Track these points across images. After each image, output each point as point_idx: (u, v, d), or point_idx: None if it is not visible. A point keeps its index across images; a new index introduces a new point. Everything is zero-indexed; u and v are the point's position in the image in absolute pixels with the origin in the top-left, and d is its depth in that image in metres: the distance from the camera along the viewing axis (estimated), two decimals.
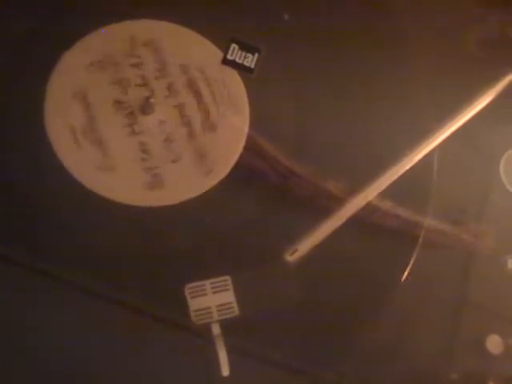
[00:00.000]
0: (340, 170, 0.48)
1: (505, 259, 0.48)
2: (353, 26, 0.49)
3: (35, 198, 0.46)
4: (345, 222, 0.47)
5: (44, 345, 0.44)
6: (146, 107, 0.47)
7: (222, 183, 0.47)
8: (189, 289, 0.45)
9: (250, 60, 0.47)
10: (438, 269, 0.48)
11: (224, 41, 0.48)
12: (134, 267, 0.45)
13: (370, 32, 0.49)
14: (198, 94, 0.48)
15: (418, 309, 0.48)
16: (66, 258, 0.45)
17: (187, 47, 0.48)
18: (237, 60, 0.47)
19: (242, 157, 0.47)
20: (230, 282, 0.45)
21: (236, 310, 0.45)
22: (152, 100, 0.47)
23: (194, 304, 0.45)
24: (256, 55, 0.47)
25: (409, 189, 0.48)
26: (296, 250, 0.46)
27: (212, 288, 0.45)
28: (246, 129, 0.48)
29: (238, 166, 0.47)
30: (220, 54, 0.48)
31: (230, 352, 0.44)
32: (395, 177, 0.48)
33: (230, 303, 0.45)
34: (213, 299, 0.45)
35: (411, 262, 0.47)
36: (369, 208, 0.47)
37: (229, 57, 0.47)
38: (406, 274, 0.47)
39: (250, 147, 0.47)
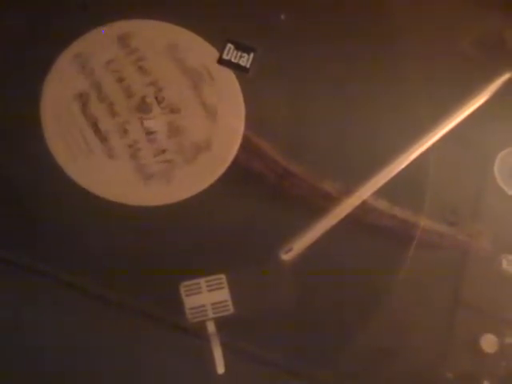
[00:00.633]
0: (335, 170, 0.48)
1: (499, 259, 0.48)
2: (349, 26, 0.50)
3: (33, 200, 0.46)
4: (340, 222, 0.47)
5: (43, 345, 0.44)
6: (142, 107, 0.47)
7: (217, 182, 0.47)
8: (184, 287, 0.45)
9: (245, 60, 0.47)
10: (432, 268, 0.48)
11: (220, 40, 0.48)
12: (129, 266, 0.45)
13: (366, 32, 0.50)
14: (194, 93, 0.48)
15: (413, 308, 0.48)
16: (63, 258, 0.45)
17: (184, 47, 0.48)
18: (232, 60, 0.48)
19: (237, 156, 0.48)
20: (224, 280, 0.45)
21: (231, 308, 0.45)
22: (148, 99, 0.47)
23: (189, 302, 0.45)
24: (252, 55, 0.47)
25: (404, 188, 0.48)
26: (291, 249, 0.46)
27: (207, 286, 0.45)
28: (241, 128, 0.48)
29: (233, 166, 0.47)
30: (216, 54, 0.48)
31: (224, 350, 0.44)
32: (390, 176, 0.48)
33: (225, 301, 0.45)
34: (208, 297, 0.45)
35: (406, 262, 0.47)
36: (364, 207, 0.47)
37: (224, 56, 0.48)
38: (400, 273, 0.47)
39: (246, 147, 0.48)
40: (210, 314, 0.45)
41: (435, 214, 0.48)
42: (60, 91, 0.47)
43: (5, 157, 0.46)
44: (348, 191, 0.48)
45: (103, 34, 0.48)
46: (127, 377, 0.44)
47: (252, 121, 0.48)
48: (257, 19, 0.49)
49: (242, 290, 0.45)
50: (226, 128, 0.48)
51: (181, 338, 0.45)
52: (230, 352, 0.44)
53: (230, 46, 0.47)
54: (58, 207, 0.46)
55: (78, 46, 0.48)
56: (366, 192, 0.48)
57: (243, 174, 0.48)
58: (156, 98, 0.48)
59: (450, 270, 0.49)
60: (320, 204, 0.47)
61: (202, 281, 0.45)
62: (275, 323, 0.45)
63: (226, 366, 0.44)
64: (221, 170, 0.47)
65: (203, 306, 0.45)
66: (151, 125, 0.47)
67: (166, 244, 0.46)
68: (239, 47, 0.47)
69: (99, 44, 0.48)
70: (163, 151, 0.47)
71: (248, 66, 0.47)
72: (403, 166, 0.48)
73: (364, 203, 0.48)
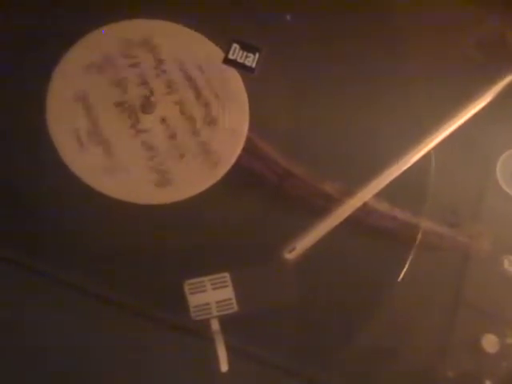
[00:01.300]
0: (337, 171, 0.48)
1: (501, 260, 0.49)
2: (353, 27, 0.50)
3: (40, 200, 0.46)
4: (342, 223, 0.47)
5: (43, 344, 0.44)
6: (147, 106, 0.48)
7: (221, 182, 0.47)
8: (188, 285, 0.45)
9: (251, 60, 0.48)
10: (434, 269, 0.48)
11: (225, 40, 0.48)
12: (134, 264, 0.45)
13: (370, 33, 0.50)
14: (198, 93, 0.48)
15: (414, 309, 0.48)
16: (65, 257, 0.45)
17: (189, 47, 0.48)
18: (238, 60, 0.48)
19: (240, 157, 0.48)
20: (228, 278, 0.45)
21: (235, 306, 0.45)
22: (153, 99, 0.47)
23: (194, 300, 0.45)
24: (257, 55, 0.48)
25: (406, 190, 0.49)
26: (294, 248, 0.46)
27: (211, 284, 0.45)
28: (245, 129, 0.48)
29: (237, 166, 0.48)
30: (221, 54, 0.48)
31: (228, 348, 0.44)
32: (392, 178, 0.48)
33: (229, 299, 0.45)
34: (212, 295, 0.45)
35: (408, 263, 0.47)
36: (366, 209, 0.48)
37: (230, 56, 0.48)
38: (402, 274, 0.47)
39: (249, 148, 0.48)
40: (214, 312, 0.45)
41: (436, 215, 0.49)
42: (64, 91, 0.47)
43: (11, 160, 0.46)
44: (350, 192, 0.48)
45: (106, 34, 0.48)
46: (131, 375, 0.44)
47: (255, 121, 0.48)
48: (262, 19, 0.49)
49: (246, 288, 0.45)
50: (229, 128, 0.48)
51: (185, 336, 0.45)
52: (233, 350, 0.44)
53: (235, 46, 0.48)
54: (63, 208, 0.46)
55: (79, 48, 0.48)
56: (367, 193, 0.48)
57: (246, 175, 0.48)
58: (160, 96, 0.48)
59: (451, 270, 0.49)
60: (321, 205, 0.47)
61: (207, 279, 0.45)
62: (278, 321, 0.45)
63: (230, 363, 0.44)
64: (224, 169, 0.47)
65: (207, 304, 0.45)
66: (157, 123, 0.48)
67: (170, 242, 0.46)
68: (245, 47, 0.48)
69: (100, 45, 0.48)
70: (171, 148, 0.47)
71: (253, 66, 0.48)
72: (405, 167, 0.48)
73: (365, 204, 0.48)
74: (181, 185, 0.47)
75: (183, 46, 0.49)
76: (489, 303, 0.48)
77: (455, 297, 0.48)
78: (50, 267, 0.44)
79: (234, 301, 0.45)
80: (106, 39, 0.48)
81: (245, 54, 0.48)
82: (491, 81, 0.50)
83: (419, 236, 0.48)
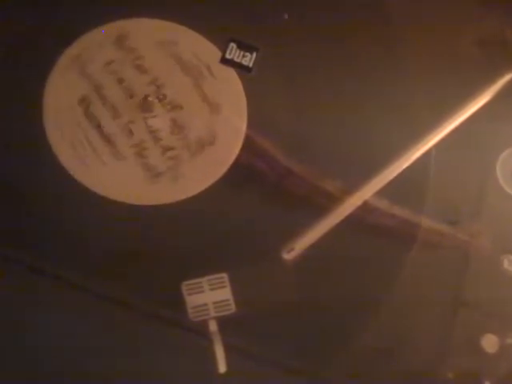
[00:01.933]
0: (337, 169, 0.48)
1: (501, 259, 0.48)
2: (351, 26, 0.49)
3: (37, 201, 0.46)
4: (342, 221, 0.47)
5: (43, 344, 0.44)
6: (144, 106, 0.47)
7: (219, 182, 0.47)
8: (186, 286, 0.45)
9: (248, 59, 0.47)
10: (433, 268, 0.48)
11: (222, 40, 0.48)
12: (131, 264, 0.45)
13: (368, 31, 0.49)
14: (196, 93, 0.48)
15: (413, 308, 0.48)
16: (63, 256, 0.45)
17: (185, 46, 0.48)
18: (235, 59, 0.48)
19: (239, 156, 0.48)
20: (226, 279, 0.45)
21: (233, 307, 0.45)
22: (150, 98, 0.47)
23: (191, 301, 0.45)
24: (254, 54, 0.47)
25: (405, 188, 0.48)
26: (293, 248, 0.46)
27: (209, 285, 0.45)
28: (243, 128, 0.48)
29: (235, 165, 0.47)
30: (218, 53, 0.48)
31: (226, 349, 0.44)
32: (392, 176, 0.48)
33: (227, 300, 0.45)
34: (210, 296, 0.45)
35: (407, 261, 0.47)
36: (365, 207, 0.48)
37: (227, 56, 0.48)
38: (401, 272, 0.47)
39: (248, 146, 0.48)
40: (212, 313, 0.45)
41: (436, 213, 0.48)
42: (61, 96, 0.47)
43: (8, 161, 0.46)
44: (349, 191, 0.48)
45: (103, 33, 0.48)
46: (128, 376, 0.44)
47: (254, 120, 0.48)
48: (260, 18, 0.49)
49: (244, 289, 0.45)
50: (228, 127, 0.48)
51: (182, 337, 0.45)
52: (231, 351, 0.44)
53: (232, 45, 0.47)
54: (63, 208, 0.46)
55: (76, 49, 0.48)
56: (367, 191, 0.48)
57: (245, 174, 0.48)
58: (158, 96, 0.48)
59: (450, 270, 0.49)
60: (321, 203, 0.47)
61: (204, 280, 0.45)
62: (277, 322, 0.45)
63: (228, 365, 0.44)
64: (223, 169, 0.47)
65: (205, 304, 0.45)
66: (155, 123, 0.47)
67: (167, 243, 0.46)
68: (242, 46, 0.47)
69: (98, 45, 0.48)
70: (170, 149, 0.47)
71: (251, 65, 0.47)
72: (405, 165, 0.48)
73: (365, 203, 0.48)
74: (179, 186, 0.47)
75: (179, 44, 0.48)
76: (489, 303, 0.48)
77: (455, 296, 0.48)
78: (49, 266, 0.44)
79: (231, 301, 0.45)
80: (103, 39, 0.48)
81: (242, 53, 0.47)
82: (491, 79, 0.50)
83: (419, 234, 0.48)
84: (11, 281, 0.45)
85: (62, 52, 0.47)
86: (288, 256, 0.46)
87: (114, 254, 0.45)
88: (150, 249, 0.45)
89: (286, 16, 0.49)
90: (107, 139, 0.47)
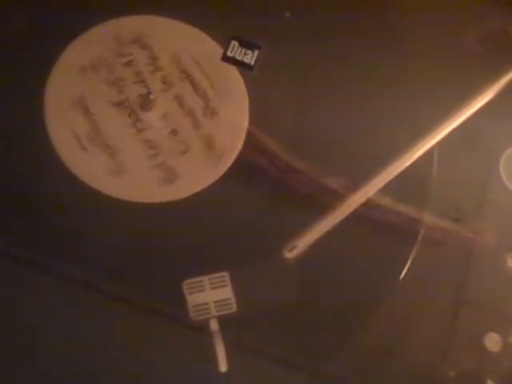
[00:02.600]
0: (340, 166, 0.48)
1: (504, 257, 0.48)
2: (353, 23, 0.49)
3: (43, 202, 0.46)
4: (344, 219, 0.47)
5: (43, 341, 0.44)
6: (146, 104, 0.47)
7: (221, 179, 0.47)
8: (187, 284, 0.45)
9: (249, 57, 0.47)
10: (437, 266, 0.48)
11: (224, 37, 0.48)
12: (133, 263, 0.45)
13: (370, 28, 0.49)
14: (197, 90, 0.48)
15: (416, 306, 0.47)
16: (64, 254, 0.45)
17: (187, 43, 0.48)
18: (237, 57, 0.47)
19: (241, 153, 0.48)
20: (227, 277, 0.45)
21: (234, 306, 0.45)
22: (152, 96, 0.47)
23: (192, 300, 0.45)
24: (256, 52, 0.47)
25: (409, 185, 0.48)
26: (295, 247, 0.46)
27: (210, 284, 0.45)
28: (245, 125, 0.48)
29: (237, 162, 0.47)
30: (220, 51, 0.48)
31: (227, 348, 0.44)
32: (395, 173, 0.48)
33: (228, 299, 0.45)
34: (211, 295, 0.45)
35: (410, 259, 0.47)
36: (368, 204, 0.47)
37: (229, 53, 0.47)
38: (404, 270, 0.47)
39: (250, 143, 0.48)
40: (213, 312, 0.45)
41: (439, 210, 0.48)
42: (62, 95, 0.47)
43: (12, 166, 0.46)
44: (353, 188, 0.47)
45: (103, 32, 0.48)
46: (128, 374, 0.44)
47: (256, 117, 0.48)
48: (261, 16, 0.49)
49: (246, 287, 0.45)
50: (229, 124, 0.48)
51: (184, 336, 0.45)
52: (232, 350, 0.44)
53: (234, 43, 0.47)
54: (63, 206, 0.46)
55: (76, 46, 0.48)
56: (370, 189, 0.47)
57: (247, 171, 0.48)
58: (159, 93, 0.48)
59: (453, 268, 0.48)
60: (324, 200, 0.47)
61: (205, 278, 0.45)
62: (278, 321, 0.45)
63: (229, 363, 0.44)
64: (225, 166, 0.47)
65: (206, 303, 0.45)
66: (157, 120, 0.47)
67: (169, 241, 0.46)
68: (243, 44, 0.47)
69: (97, 43, 0.48)
70: (174, 144, 0.47)
71: (252, 63, 0.47)
72: (408, 163, 0.48)
73: (368, 200, 0.47)
74: (181, 183, 0.47)
75: (182, 42, 0.48)
76: (491, 301, 0.48)
77: (457, 295, 0.48)
78: (50, 264, 0.44)
79: (233, 300, 0.45)
80: (104, 37, 0.48)
81: (244, 51, 0.47)
82: (495, 76, 0.49)
83: (422, 231, 0.48)
84: (12, 278, 0.45)
85: (61, 51, 0.47)
86: (290, 254, 0.46)
87: (115, 252, 0.45)
88: (151, 247, 0.45)
89: (288, 14, 0.49)
90: (110, 139, 0.47)
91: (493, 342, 0.47)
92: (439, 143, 0.49)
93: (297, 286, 0.46)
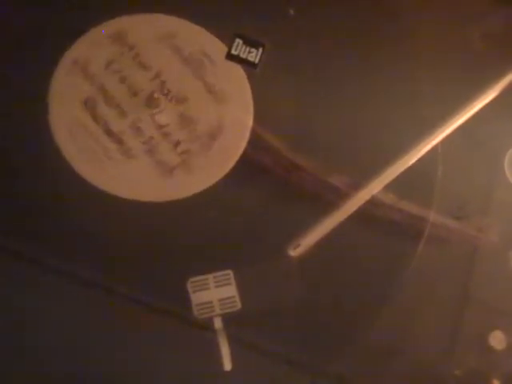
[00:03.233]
0: (344, 164, 0.48)
1: (509, 255, 0.48)
2: (356, 21, 0.49)
3: (49, 201, 0.46)
4: (349, 217, 0.47)
5: (44, 339, 0.44)
6: (151, 102, 0.47)
7: (225, 178, 0.47)
8: (191, 283, 0.45)
9: (254, 55, 0.47)
10: (441, 263, 0.48)
11: (228, 35, 0.47)
12: (137, 261, 0.45)
13: (374, 27, 0.49)
14: (202, 88, 0.48)
15: (421, 304, 0.47)
16: (69, 252, 0.45)
17: (192, 41, 0.48)
18: (241, 55, 0.47)
19: (246, 151, 0.47)
20: (232, 276, 0.45)
21: (238, 304, 0.45)
22: (156, 95, 0.47)
23: (197, 298, 0.45)
24: (260, 50, 0.47)
25: (413, 183, 0.48)
26: (299, 245, 0.46)
27: (214, 282, 0.45)
28: (250, 123, 0.48)
29: (241, 161, 0.47)
30: (224, 49, 0.48)
31: (232, 346, 0.44)
32: (400, 171, 0.48)
33: (233, 297, 0.45)
34: (215, 293, 0.45)
35: (415, 257, 0.47)
36: (373, 202, 0.47)
37: (233, 52, 0.47)
38: (409, 268, 0.47)
39: (255, 142, 0.48)
40: (218, 310, 0.45)
41: (444, 208, 0.48)
42: (66, 99, 0.47)
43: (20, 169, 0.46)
44: (357, 186, 0.47)
45: (103, 34, 0.48)
46: (132, 372, 0.44)
47: (260, 116, 0.48)
48: (266, 14, 0.48)
49: (250, 286, 0.45)
50: (234, 123, 0.48)
51: (188, 334, 0.45)
52: (237, 348, 0.44)
53: (238, 41, 0.47)
54: (70, 206, 0.46)
55: (76, 50, 0.48)
56: (375, 187, 0.47)
57: (251, 169, 0.48)
58: (163, 92, 0.48)
59: (458, 265, 0.48)
60: (328, 199, 0.47)
61: (210, 277, 0.45)
62: (282, 319, 0.45)
63: (233, 362, 0.44)
64: (229, 165, 0.47)
65: (210, 302, 0.45)
66: (163, 118, 0.47)
67: (173, 240, 0.46)
68: (248, 42, 0.47)
69: (98, 45, 0.48)
70: (181, 143, 0.47)
71: (256, 61, 0.47)
72: (413, 160, 0.48)
73: (373, 198, 0.47)
74: (185, 182, 0.47)
75: (186, 40, 0.48)
76: (496, 299, 0.48)
77: (462, 293, 0.48)
78: (53, 261, 0.45)
79: (237, 299, 0.45)
80: (104, 38, 0.48)
81: (248, 49, 0.47)
82: (499, 74, 0.49)
83: (427, 229, 0.48)
84: (14, 276, 0.45)
85: (62, 55, 0.47)
86: (294, 253, 0.46)
87: (119, 250, 0.45)
88: (155, 246, 0.46)
89: (292, 12, 0.49)
90: (118, 139, 0.47)
91: (498, 340, 0.47)
92: (444, 141, 0.49)
93: (301, 284, 0.46)
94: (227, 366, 0.44)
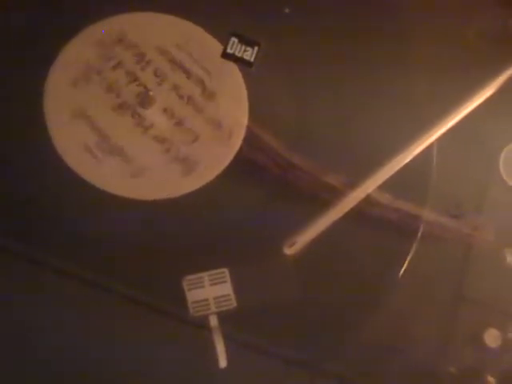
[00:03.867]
0: (340, 163, 0.48)
1: (503, 253, 0.48)
2: (353, 20, 0.49)
3: (48, 201, 0.46)
4: (344, 215, 0.47)
5: (44, 338, 0.44)
6: (145, 101, 0.47)
7: (221, 176, 0.47)
8: (187, 281, 0.45)
9: (249, 54, 0.47)
10: (436, 262, 0.48)
11: (224, 34, 0.48)
12: (133, 259, 0.45)
13: (370, 25, 0.49)
14: (197, 86, 0.48)
15: (416, 302, 0.48)
16: (64, 251, 0.45)
17: (187, 40, 0.48)
18: (236, 54, 0.47)
19: (241, 150, 0.48)
20: (227, 274, 0.45)
21: (234, 302, 0.45)
22: (151, 93, 0.47)
23: (192, 296, 0.45)
24: (256, 49, 0.47)
25: (408, 182, 0.48)
26: (294, 243, 0.46)
27: (210, 280, 0.45)
28: (245, 122, 0.48)
29: (237, 159, 0.47)
30: (220, 47, 0.48)
31: (227, 344, 0.44)
32: (395, 170, 0.48)
33: (228, 295, 0.45)
34: (210, 291, 0.45)
35: (410, 255, 0.47)
36: (368, 201, 0.47)
37: (228, 50, 0.47)
38: (404, 266, 0.47)
39: (250, 140, 0.48)
40: (213, 308, 0.45)
41: (439, 206, 0.48)
42: (61, 113, 0.47)
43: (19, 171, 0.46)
44: (352, 184, 0.47)
45: (103, 33, 0.48)
46: (128, 371, 0.44)
47: (256, 114, 0.48)
48: (261, 13, 0.48)
49: (245, 284, 0.45)
50: (229, 121, 0.48)
51: (183, 332, 0.45)
52: (232, 346, 0.44)
53: (233, 39, 0.47)
54: (64, 205, 0.46)
55: (76, 46, 0.48)
56: (370, 185, 0.47)
57: (247, 167, 0.48)
58: (159, 90, 0.48)
59: (453, 263, 0.49)
60: (324, 197, 0.47)
61: (205, 275, 0.45)
62: (278, 317, 0.45)
63: (229, 359, 0.44)
64: (224, 163, 0.47)
65: (206, 300, 0.45)
66: (158, 116, 0.47)
67: (168, 238, 0.46)
68: (243, 41, 0.47)
69: (97, 42, 0.48)
70: (180, 137, 0.47)
71: (252, 60, 0.47)
72: (407, 159, 0.48)
73: (368, 196, 0.47)
74: (180, 180, 0.47)
75: (181, 38, 0.48)
76: (491, 297, 0.48)
77: (457, 290, 0.48)
78: (51, 260, 0.45)
79: (232, 297, 0.45)
80: (103, 36, 0.48)
81: (243, 47, 0.47)
82: (495, 72, 0.49)
83: (422, 228, 0.48)
84: (14, 274, 0.45)
85: (60, 51, 0.47)
86: (289, 251, 0.46)
87: (115, 248, 0.45)
88: (151, 244, 0.46)
89: (287, 10, 0.49)
90: (120, 144, 0.47)
91: (492, 337, 0.47)
92: (439, 139, 0.49)
93: (296, 283, 0.46)
94: (222, 363, 0.44)
